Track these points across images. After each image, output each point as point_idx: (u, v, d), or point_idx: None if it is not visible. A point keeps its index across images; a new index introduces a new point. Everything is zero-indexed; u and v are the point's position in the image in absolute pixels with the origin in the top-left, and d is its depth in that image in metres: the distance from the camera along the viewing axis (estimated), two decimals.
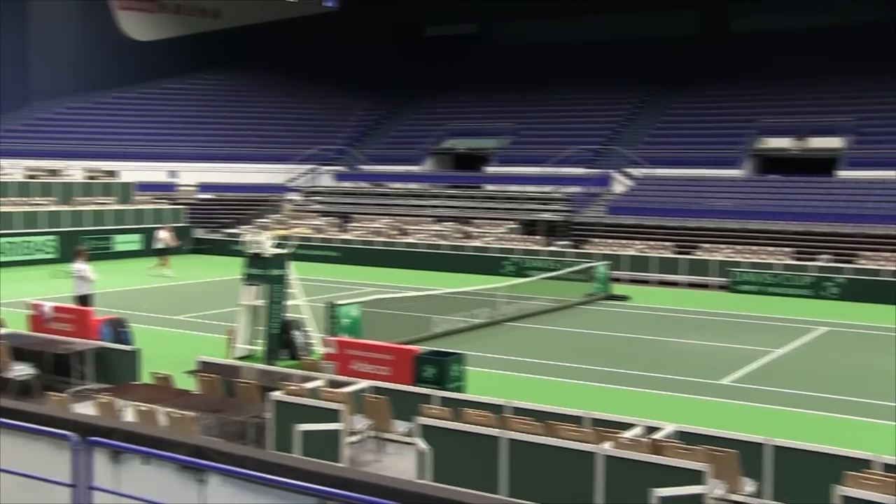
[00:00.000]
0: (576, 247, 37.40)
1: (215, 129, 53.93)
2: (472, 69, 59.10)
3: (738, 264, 32.58)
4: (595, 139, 48.35)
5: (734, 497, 9.93)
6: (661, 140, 47.27)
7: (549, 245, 37.40)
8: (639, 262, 34.26)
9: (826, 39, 48.62)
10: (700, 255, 34.52)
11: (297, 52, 59.61)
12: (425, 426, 11.04)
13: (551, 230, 40.62)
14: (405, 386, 13.55)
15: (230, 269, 28.84)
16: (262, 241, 18.61)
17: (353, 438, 11.94)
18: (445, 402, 12.35)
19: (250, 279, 18.65)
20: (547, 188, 44.22)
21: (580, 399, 15.21)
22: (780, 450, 10.40)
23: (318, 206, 46.71)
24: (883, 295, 29.03)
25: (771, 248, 34.47)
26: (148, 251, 37.48)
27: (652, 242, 36.58)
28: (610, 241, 37.26)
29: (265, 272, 18.37)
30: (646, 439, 10.31)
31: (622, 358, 20.06)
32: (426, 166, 51.19)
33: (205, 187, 48.38)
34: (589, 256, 33.86)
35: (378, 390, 13.01)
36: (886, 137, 42.32)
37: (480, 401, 12.41)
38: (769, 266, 32.29)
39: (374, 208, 44.96)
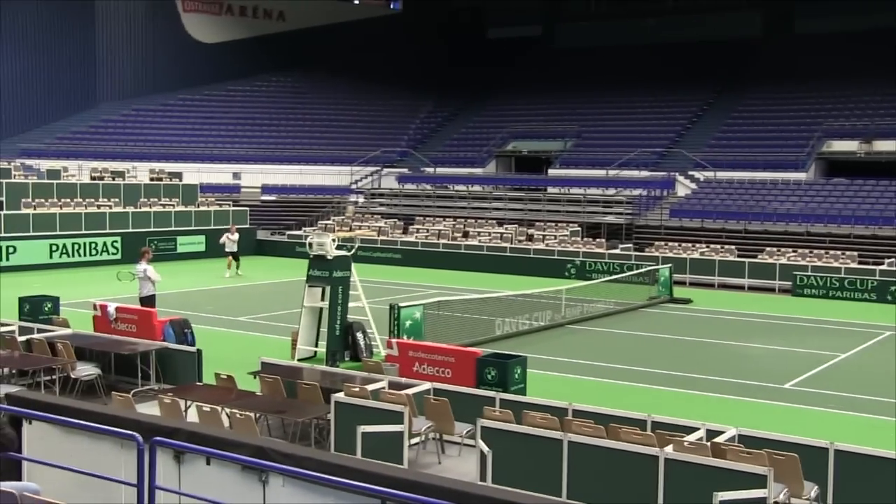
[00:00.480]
0: (638, 250, 37.11)
1: (279, 131, 54.67)
2: (535, 71, 58.99)
3: (802, 268, 32.04)
4: (659, 142, 47.96)
5: (796, 501, 9.82)
6: (725, 143, 46.70)
7: (612, 248, 37.17)
8: (701, 266, 33.88)
9: (891, 41, 47.54)
10: (763, 258, 34.02)
11: (361, 55, 60.06)
12: (487, 428, 11.08)
13: (614, 233, 40.39)
14: (467, 388, 13.60)
15: (293, 270, 29.23)
16: (326, 242, 18.76)
17: (415, 440, 12.03)
18: (507, 404, 12.37)
19: (313, 281, 18.83)
20: (610, 191, 43.97)
21: (642, 402, 15.13)
22: (841, 454, 10.26)
23: (380, 209, 47.04)
24: None
25: (835, 252, 33.83)
26: (212, 252, 38.06)
27: (715, 245, 36.14)
28: (672, 244, 36.88)
29: (328, 274, 18.54)
30: (707, 443, 10.24)
31: (684, 361, 19.88)
32: (489, 169, 51.23)
33: (268, 189, 49.05)
34: (651, 259, 33.59)
35: (440, 392, 13.09)
36: None
37: (542, 403, 12.42)
38: (834, 270, 31.70)
39: (437, 210, 45.11)
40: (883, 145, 42.57)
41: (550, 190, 46.28)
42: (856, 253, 33.70)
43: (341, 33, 60.50)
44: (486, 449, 10.97)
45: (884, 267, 31.79)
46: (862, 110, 45.16)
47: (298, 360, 18.07)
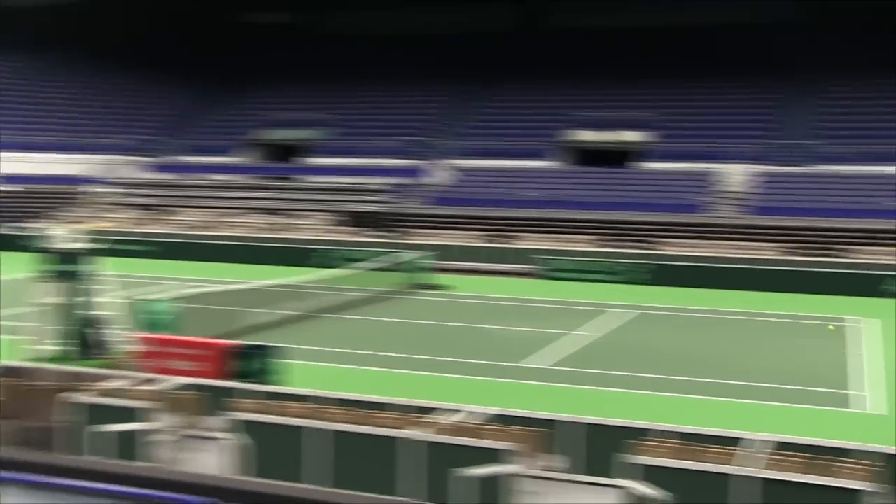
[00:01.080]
0: (396, 237, 37.59)
1: (17, 116, 50.89)
2: (290, 58, 58.26)
3: (552, 252, 33.55)
4: (416, 131, 48.72)
5: (544, 474, 10.22)
6: (480, 132, 48.11)
7: (370, 236, 37.42)
8: (459, 252, 34.76)
9: (633, 40, 50.73)
10: (518, 243, 35.34)
11: (108, 36, 56.76)
12: (240, 420, 10.80)
13: (372, 221, 40.67)
14: (219, 381, 13.20)
15: (22, 266, 27.31)
16: (62, 235, 17.59)
17: (161, 436, 11.53)
18: (261, 395, 12.11)
19: (49, 276, 17.64)
20: (367, 179, 44.21)
21: (397, 387, 15.28)
22: (592, 427, 10.77)
23: (127, 199, 44.92)
24: (679, 278, 30.65)
25: (582, 236, 35.72)
26: None
27: (471, 232, 37.20)
28: (430, 230, 37.63)
29: (65, 268, 17.41)
30: (458, 423, 10.47)
31: (443, 346, 20.31)
32: (242, 157, 50.18)
33: (10, 179, 45.59)
34: (408, 247, 34.08)
35: (189, 387, 12.61)
36: (685, 132, 44.69)
37: (297, 393, 12.26)
38: (581, 253, 33.42)
39: (190, 200, 43.66)
40: (621, 135, 45.40)
41: (307, 179, 45.95)
42: (601, 236, 35.72)
43: (83, 11, 56.88)
44: (235, 441, 10.69)
45: (624, 249, 33.90)
46: (604, 102, 47.91)
47: (33, 360, 16.88)
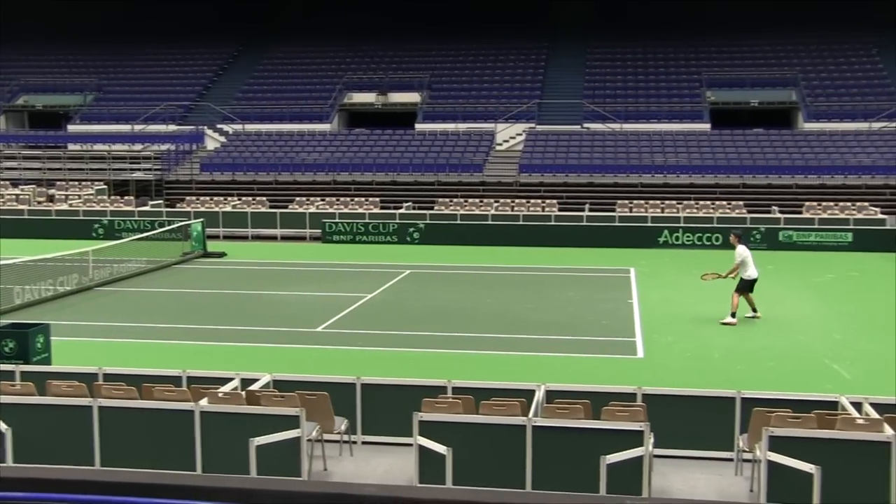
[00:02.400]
0: (169, 206, 36.35)
1: None
2: (48, 17, 54.61)
3: (330, 216, 33.52)
4: (185, 95, 47.09)
5: (328, 436, 10.31)
6: (252, 96, 47.14)
7: (141, 205, 35.99)
8: (234, 219, 34.07)
9: (406, 1, 51.11)
10: (294, 208, 35.05)
11: None
12: (5, 405, 10.19)
13: (143, 189, 39.13)
14: None
15: None
16: None
17: None
18: (29, 376, 11.47)
19: None
20: (137, 146, 42.43)
21: (178, 359, 14.86)
22: (367, 387, 10.95)
23: None
24: (455, 237, 31.48)
25: (360, 199, 35.88)
26: None
27: (247, 198, 36.55)
28: (204, 198, 36.64)
29: None
30: (242, 392, 10.35)
31: (220, 314, 19.93)
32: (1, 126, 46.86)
33: None
34: (183, 215, 33.04)
35: None
36: (456, 92, 45.63)
37: (69, 371, 11.71)
38: (359, 216, 33.59)
39: None
40: (397, 97, 45.81)
41: (71, 147, 43.53)
42: (378, 198, 36.01)
43: None
44: (3, 427, 10.09)
45: (402, 210, 34.35)
46: (377, 64, 48.06)
47: None
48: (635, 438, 9.09)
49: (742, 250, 19.08)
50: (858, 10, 47.24)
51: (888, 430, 8.98)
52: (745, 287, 19.04)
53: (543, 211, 33.88)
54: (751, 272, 18.99)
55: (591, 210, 34.14)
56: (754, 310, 19.24)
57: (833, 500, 8.76)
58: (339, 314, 19.72)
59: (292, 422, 9.51)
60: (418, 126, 43.68)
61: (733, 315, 18.78)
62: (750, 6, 47.84)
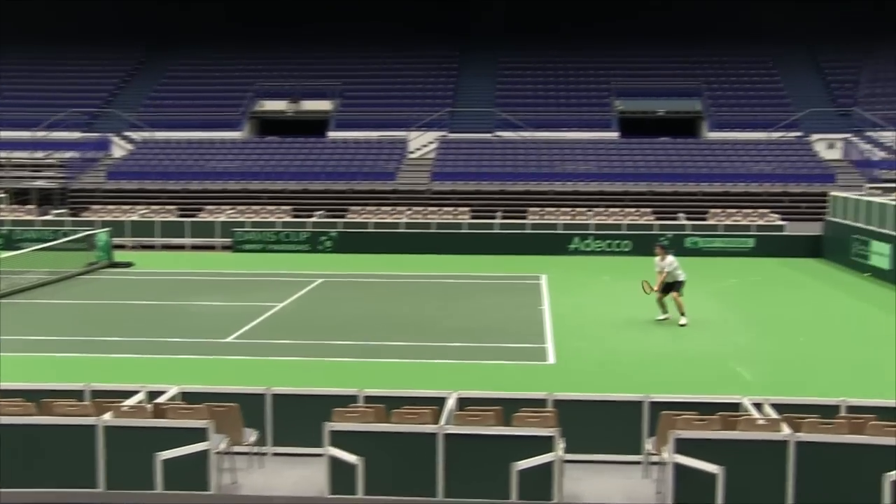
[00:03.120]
0: (74, 215, 35.39)
1: None
2: None
3: (240, 224, 33.09)
4: (91, 102, 45.89)
5: (237, 448, 10.13)
6: (161, 103, 46.23)
7: (44, 214, 34.97)
8: (142, 228, 33.37)
9: (316, 6, 50.62)
10: (204, 217, 34.48)
11: None
12: None
13: (45, 198, 38.03)
14: None
15: None
16: None
17: None
18: None
19: None
20: (39, 154, 41.22)
21: (81, 373, 14.43)
22: (277, 397, 10.81)
23: None
24: (368, 245, 31.40)
25: (271, 207, 35.50)
26: None
27: (155, 207, 35.83)
28: (111, 207, 35.81)
29: None
30: (148, 405, 10.10)
31: (127, 326, 19.45)
32: None
33: None
34: (88, 224, 32.20)
35: None
36: (367, 101, 45.57)
37: None
38: (269, 224, 33.23)
39: None
40: (309, 105, 45.49)
41: None
42: (289, 207, 35.66)
43: None
44: None
45: (314, 219, 34.09)
46: (290, 72, 47.64)
47: None
48: (546, 444, 9.16)
49: (672, 260, 19.76)
50: (756, 24, 48.75)
51: (785, 429, 9.25)
52: (680, 286, 19.70)
53: (456, 218, 34.02)
54: (682, 273, 19.77)
55: (502, 217, 34.39)
56: (666, 312, 19.73)
57: (735, 500, 8.96)
58: (249, 324, 19.44)
59: (200, 434, 9.33)
60: (331, 134, 43.44)
61: (683, 314, 19.49)
62: (658, 17, 48.88)
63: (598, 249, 31.22)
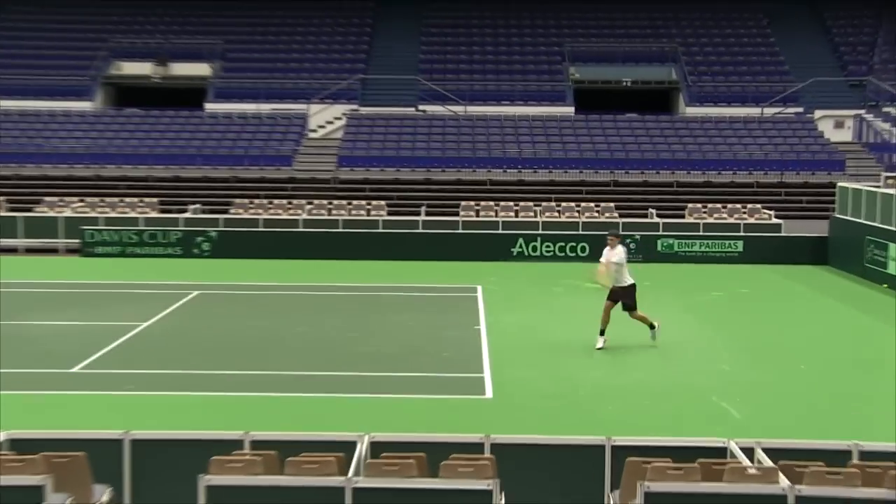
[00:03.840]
0: None
1: None
2: None
3: (92, 221, 32.61)
4: None
5: None
6: None
7: None
8: None
9: None
10: (43, 211, 33.92)
11: None
12: None
13: None
14: None
15: None
16: None
17: None
18: None
19: None
20: None
21: None
22: (138, 443, 10.63)
23: None
24: (257, 248, 31.15)
25: (131, 200, 35.05)
26: None
27: None
28: None
29: None
30: None
31: None
32: None
33: None
34: None
35: None
36: (257, 64, 45.31)
37: None
38: (131, 222, 32.80)
39: None
40: (181, 68, 45.03)
41: None
42: (156, 199, 35.25)
43: None
44: None
45: (188, 215, 33.74)
46: (155, 26, 47.15)
47: None
48: (482, 499, 9.16)
49: (622, 252, 19.68)
50: None
51: (783, 480, 9.36)
52: (632, 295, 19.59)
53: (369, 215, 34.00)
54: (629, 277, 19.65)
55: (428, 214, 34.47)
56: (604, 334, 19.63)
57: None
58: (102, 349, 19.15)
59: (34, 494, 9.12)
60: (208, 106, 43.11)
61: (602, 333, 19.54)
62: None
63: (549, 254, 31.47)
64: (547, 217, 33.79)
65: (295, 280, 27.46)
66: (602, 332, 19.53)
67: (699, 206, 34.88)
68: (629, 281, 19.64)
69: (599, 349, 19.40)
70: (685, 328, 21.78)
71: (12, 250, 32.29)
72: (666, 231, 32.56)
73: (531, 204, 35.08)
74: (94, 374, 17.62)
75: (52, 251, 32.41)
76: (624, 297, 19.61)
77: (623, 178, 37.99)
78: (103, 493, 10.14)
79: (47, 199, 35.10)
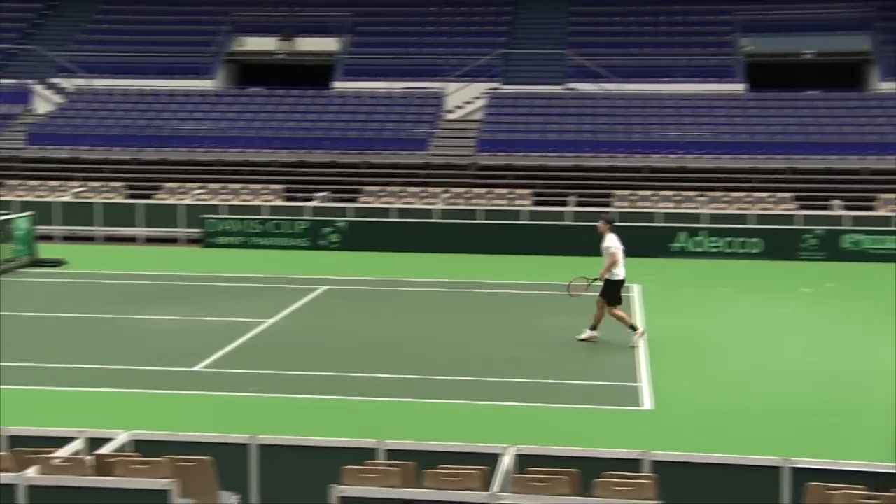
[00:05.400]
0: None
1: None
2: None
3: (213, 209, 33.30)
4: (2, 37, 46.44)
5: None
6: (101, 38, 46.64)
7: None
8: (77, 212, 33.75)
9: None
10: (163, 198, 34.77)
11: None
12: None
13: None
14: None
15: None
16: None
17: None
18: None
19: None
20: None
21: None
22: (266, 449, 10.88)
23: None
24: (388, 241, 31.41)
25: (255, 187, 35.72)
26: None
27: (95, 183, 36.21)
28: (33, 182, 36.28)
29: None
30: (88, 456, 10.25)
31: (55, 347, 19.75)
32: None
33: None
34: (2, 206, 32.64)
35: None
36: (389, 38, 45.59)
37: None
38: (254, 210, 33.41)
39: None
40: (307, 44, 45.53)
41: None
42: (281, 187, 35.87)
43: None
44: None
45: (315, 203, 34.26)
46: None
47: None
48: None
49: (615, 241, 20.12)
50: None
51: None
52: (614, 291, 19.92)
53: (511, 205, 34.06)
54: (620, 270, 19.99)
55: (577, 204, 34.36)
56: (635, 328, 19.96)
57: None
58: (225, 348, 19.58)
59: (160, 498, 9.43)
60: (337, 85, 43.58)
61: (633, 328, 19.93)
62: None
63: (714, 250, 31.09)
64: (712, 208, 33.40)
65: (430, 276, 27.65)
66: (633, 328, 19.97)
67: (893, 196, 33.99)
68: (618, 275, 19.93)
69: (582, 340, 19.91)
70: (879, 336, 20.88)
71: (131, 239, 33.24)
72: (853, 225, 31.83)
73: (694, 194, 34.70)
74: (216, 373, 18.06)
75: (172, 241, 33.23)
76: (607, 289, 19.90)
77: (801, 164, 37.20)
78: (231, 500, 10.42)
79: (167, 184, 35.99)
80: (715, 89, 41.96)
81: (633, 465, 10.52)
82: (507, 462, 10.33)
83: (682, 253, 31.16)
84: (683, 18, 46.45)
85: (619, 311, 19.99)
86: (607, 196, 34.80)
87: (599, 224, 20.71)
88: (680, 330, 21.81)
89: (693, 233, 31.43)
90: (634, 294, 25.25)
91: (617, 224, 31.38)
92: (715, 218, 32.55)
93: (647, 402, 16.60)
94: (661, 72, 43.17)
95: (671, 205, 33.84)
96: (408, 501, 9.43)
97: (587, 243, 30.88)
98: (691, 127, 39.34)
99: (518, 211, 33.53)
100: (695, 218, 32.64)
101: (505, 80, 42.99)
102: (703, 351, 20.00)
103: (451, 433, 13.60)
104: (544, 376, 18.07)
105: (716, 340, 20.78)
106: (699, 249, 31.23)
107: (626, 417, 15.94)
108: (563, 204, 34.30)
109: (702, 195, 34.52)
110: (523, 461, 10.48)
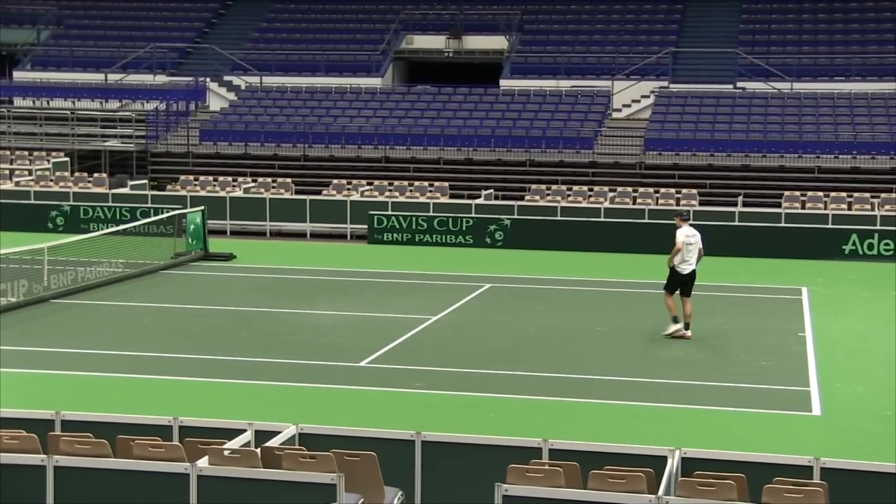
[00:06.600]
0: (157, 188, 36.87)
1: None
2: None
3: (380, 206, 33.62)
4: (180, 35, 47.65)
5: None
6: (273, 37, 47.43)
7: (118, 185, 36.55)
8: (247, 207, 34.36)
9: None
10: (330, 194, 35.22)
11: None
12: None
13: (120, 164, 39.72)
14: None
15: None
16: None
17: None
18: None
19: None
20: (111, 104, 43.09)
21: (166, 402, 15.09)
22: (430, 445, 10.92)
23: None
24: (553, 239, 31.31)
25: (421, 184, 35.93)
26: None
27: (264, 179, 36.84)
28: (205, 178, 37.04)
29: None
30: (257, 449, 10.42)
31: (225, 341, 20.12)
32: None
33: None
34: (176, 201, 33.45)
35: None
36: (557, 36, 45.47)
37: (14, 416, 11.88)
38: (421, 207, 33.61)
39: None
40: (475, 42, 45.69)
41: (18, 103, 44.37)
42: (447, 184, 36.04)
43: None
44: None
45: (481, 201, 34.35)
46: None
47: None
48: None
49: (682, 233, 20.43)
50: None
51: None
52: (674, 283, 20.22)
53: (678, 205, 33.63)
54: (686, 265, 20.18)
55: (745, 205, 33.81)
56: (676, 321, 20.13)
57: None
58: (390, 343, 19.75)
59: (326, 492, 9.52)
60: (504, 83, 43.63)
61: (675, 320, 20.13)
62: None
63: (888, 253, 30.25)
64: (887, 210, 32.51)
65: (593, 275, 27.51)
66: (675, 321, 20.20)
67: None
68: (688, 268, 20.21)
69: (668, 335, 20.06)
70: None
71: (300, 235, 33.78)
72: None
73: (867, 195, 33.81)
74: (381, 368, 18.23)
75: (339, 237, 33.65)
76: (669, 277, 20.41)
77: None
78: (394, 497, 10.49)
79: (334, 181, 36.47)
80: (892, 88, 40.77)
81: (803, 471, 10.28)
82: (673, 464, 10.20)
83: (854, 255, 30.39)
84: (859, 15, 45.34)
85: (669, 300, 20.27)
86: (777, 197, 34.11)
87: (675, 218, 21.42)
88: (850, 334, 21.35)
89: (866, 235, 30.61)
90: (803, 297, 24.77)
91: (784, 226, 31.55)
92: (889, 220, 31.64)
93: (815, 408, 16.25)
94: (835, 70, 42.21)
95: (843, 206, 33.03)
96: (574, 502, 9.37)
97: (754, 244, 30.61)
98: (864, 126, 38.32)
99: (685, 210, 33.05)
100: (869, 220, 31.80)
101: (673, 79, 42.56)
102: (874, 356, 19.50)
103: (613, 434, 13.49)
104: (708, 379, 17.88)
105: (887, 345, 20.21)
106: (872, 252, 30.42)
107: (793, 422, 15.63)
108: (732, 204, 33.73)
109: (875, 196, 33.60)
110: (688, 464, 10.33)
